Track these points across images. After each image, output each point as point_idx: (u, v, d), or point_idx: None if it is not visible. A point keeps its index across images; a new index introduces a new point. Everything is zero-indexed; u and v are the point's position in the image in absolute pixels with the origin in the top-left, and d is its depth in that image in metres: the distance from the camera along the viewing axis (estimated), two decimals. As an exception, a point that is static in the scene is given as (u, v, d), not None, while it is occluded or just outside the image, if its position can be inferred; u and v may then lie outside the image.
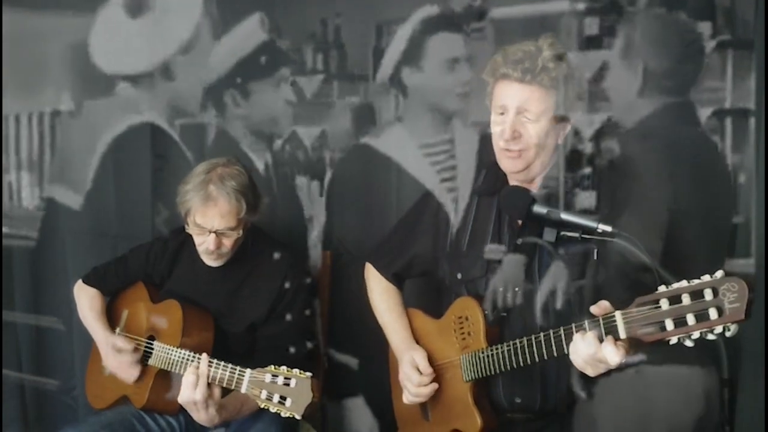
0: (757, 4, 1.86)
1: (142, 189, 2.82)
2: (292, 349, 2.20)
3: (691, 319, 1.45)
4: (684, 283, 1.47)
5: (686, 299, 1.46)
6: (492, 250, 1.93)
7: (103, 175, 2.88)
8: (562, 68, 1.79)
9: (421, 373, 2.02)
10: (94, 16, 2.85)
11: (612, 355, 1.54)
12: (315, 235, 2.39)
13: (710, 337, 1.45)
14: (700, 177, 2.07)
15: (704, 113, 2.12)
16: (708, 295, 1.43)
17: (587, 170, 1.85)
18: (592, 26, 2.20)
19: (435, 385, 2.01)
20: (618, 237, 1.67)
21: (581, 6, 2.21)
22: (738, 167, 2.11)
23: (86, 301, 2.48)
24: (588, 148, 1.89)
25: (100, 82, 2.87)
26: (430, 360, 2.04)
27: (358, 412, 2.55)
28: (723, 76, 2.10)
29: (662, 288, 1.49)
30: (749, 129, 2.09)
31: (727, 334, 1.43)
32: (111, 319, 2.48)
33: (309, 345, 2.26)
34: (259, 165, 2.68)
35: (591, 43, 2.14)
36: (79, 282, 2.52)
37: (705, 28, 2.10)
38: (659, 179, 1.86)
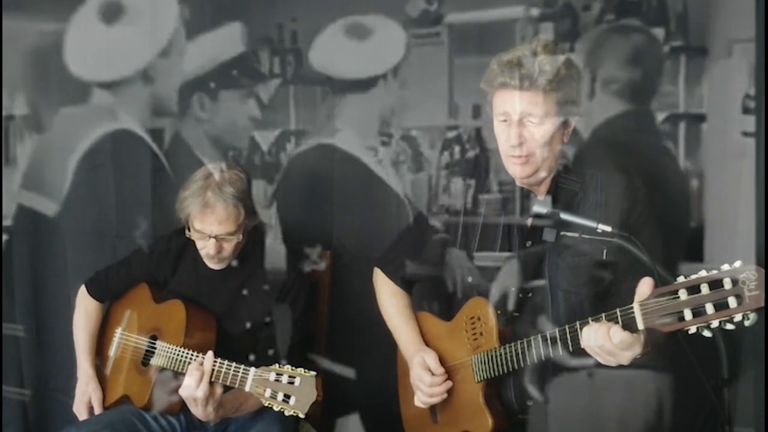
0: (757, 4, 1.87)
1: (142, 190, 2.77)
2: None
3: (710, 308, 1.44)
4: (702, 273, 1.46)
5: (705, 289, 1.45)
6: (502, 252, 1.93)
7: (87, 180, 2.83)
8: (560, 69, 1.75)
9: (432, 374, 2.01)
10: (60, 21, 2.79)
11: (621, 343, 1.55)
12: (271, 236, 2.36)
13: (729, 326, 1.44)
14: (656, 182, 2.09)
15: (657, 118, 2.14)
16: (727, 284, 1.42)
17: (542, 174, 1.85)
18: (547, 32, 2.21)
19: (449, 383, 1.99)
20: (617, 237, 1.67)
21: (536, 12, 2.22)
22: (690, 172, 2.13)
23: (82, 318, 2.45)
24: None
25: (71, 87, 2.82)
26: (441, 362, 2.02)
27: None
28: (675, 81, 2.13)
29: (681, 278, 1.49)
30: (701, 134, 2.12)
31: (746, 323, 1.43)
32: (113, 318, 2.45)
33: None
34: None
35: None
36: (82, 290, 2.47)
37: (658, 33, 2.13)
38: (614, 184, 1.86)
